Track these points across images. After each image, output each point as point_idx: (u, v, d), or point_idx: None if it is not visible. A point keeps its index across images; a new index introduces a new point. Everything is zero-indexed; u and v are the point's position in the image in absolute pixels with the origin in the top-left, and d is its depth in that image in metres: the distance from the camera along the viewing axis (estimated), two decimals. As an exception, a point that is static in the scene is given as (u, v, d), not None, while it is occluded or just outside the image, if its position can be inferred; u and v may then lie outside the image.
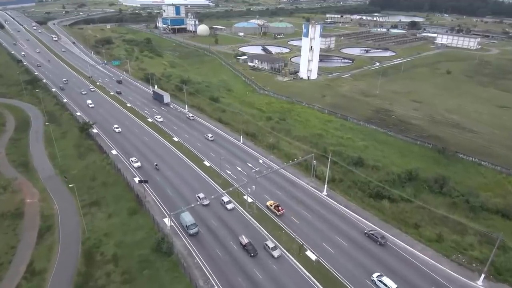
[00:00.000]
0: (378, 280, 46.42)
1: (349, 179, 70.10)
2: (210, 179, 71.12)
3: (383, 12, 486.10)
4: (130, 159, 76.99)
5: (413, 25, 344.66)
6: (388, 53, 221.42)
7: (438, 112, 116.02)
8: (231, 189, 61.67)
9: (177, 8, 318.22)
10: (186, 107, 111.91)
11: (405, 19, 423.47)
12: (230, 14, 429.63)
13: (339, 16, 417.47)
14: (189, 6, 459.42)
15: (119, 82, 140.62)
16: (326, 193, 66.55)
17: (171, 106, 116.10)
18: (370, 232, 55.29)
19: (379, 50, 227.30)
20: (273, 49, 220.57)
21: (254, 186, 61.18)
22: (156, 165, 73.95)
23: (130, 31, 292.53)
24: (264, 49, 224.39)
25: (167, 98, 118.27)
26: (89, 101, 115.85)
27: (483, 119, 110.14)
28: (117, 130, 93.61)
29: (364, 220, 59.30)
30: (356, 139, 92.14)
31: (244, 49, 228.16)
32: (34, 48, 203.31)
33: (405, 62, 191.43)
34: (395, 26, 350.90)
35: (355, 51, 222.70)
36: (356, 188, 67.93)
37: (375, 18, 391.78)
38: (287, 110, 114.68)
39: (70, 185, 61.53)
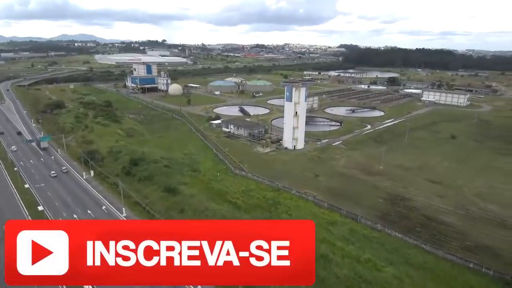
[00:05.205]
0: None
1: None
2: None
3: (357, 69, 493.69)
4: None
5: (392, 81, 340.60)
6: (376, 113, 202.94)
7: (468, 199, 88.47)
8: None
9: (148, 66, 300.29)
10: (124, 210, 77.74)
11: (381, 74, 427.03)
12: (207, 71, 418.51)
13: (316, 73, 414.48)
14: (166, 64, 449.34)
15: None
16: None
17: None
18: None
19: (366, 110, 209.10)
20: (251, 110, 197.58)
21: None
22: None
23: (95, 91, 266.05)
24: (242, 110, 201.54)
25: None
26: None
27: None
28: None
29: None
30: (380, 262, 60.49)
31: (219, 109, 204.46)
32: None
33: (399, 124, 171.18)
34: (374, 83, 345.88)
35: (341, 111, 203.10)
36: None
37: (353, 75, 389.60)
38: (272, 203, 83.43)
39: None
